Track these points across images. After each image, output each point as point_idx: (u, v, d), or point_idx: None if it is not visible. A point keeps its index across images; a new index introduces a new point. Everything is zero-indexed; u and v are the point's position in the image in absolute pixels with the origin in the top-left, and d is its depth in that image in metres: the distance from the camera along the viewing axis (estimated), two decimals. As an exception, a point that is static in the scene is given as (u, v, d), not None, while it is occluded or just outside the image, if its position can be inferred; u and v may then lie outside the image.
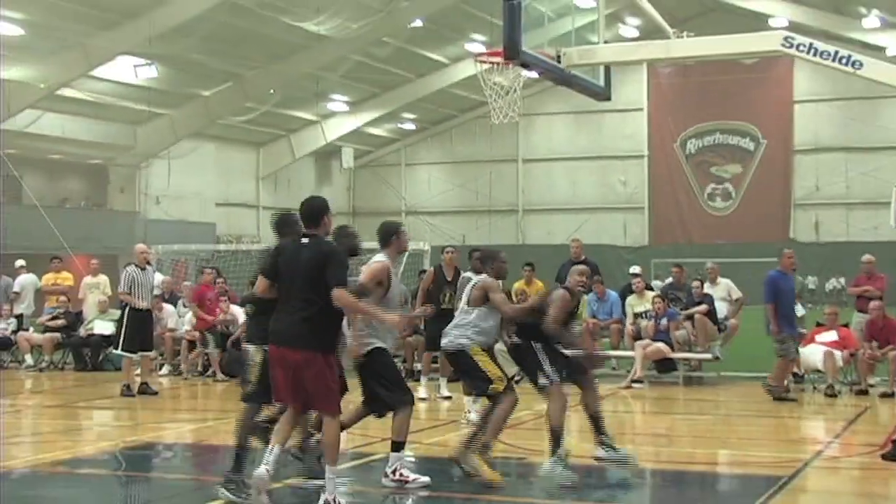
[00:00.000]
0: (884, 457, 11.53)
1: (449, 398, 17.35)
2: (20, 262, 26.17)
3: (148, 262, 19.75)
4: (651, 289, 21.91)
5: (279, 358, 9.39)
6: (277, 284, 9.57)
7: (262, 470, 9.28)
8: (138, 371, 19.14)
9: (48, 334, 24.38)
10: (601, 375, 21.52)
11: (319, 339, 9.30)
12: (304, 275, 9.27)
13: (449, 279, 17.85)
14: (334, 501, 9.12)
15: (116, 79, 42.80)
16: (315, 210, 9.54)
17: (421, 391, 17.35)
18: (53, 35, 38.17)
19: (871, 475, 11.49)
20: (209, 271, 23.42)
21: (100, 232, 43.89)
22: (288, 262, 9.42)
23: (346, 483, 9.64)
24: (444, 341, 11.22)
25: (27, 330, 24.93)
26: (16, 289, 25.35)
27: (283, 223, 10.31)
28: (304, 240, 9.45)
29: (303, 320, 9.26)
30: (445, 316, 17.74)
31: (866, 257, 20.22)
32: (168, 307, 23.25)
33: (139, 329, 18.94)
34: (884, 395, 17.81)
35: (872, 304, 19.09)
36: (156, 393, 19.12)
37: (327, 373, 9.29)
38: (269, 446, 9.51)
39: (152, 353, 20.72)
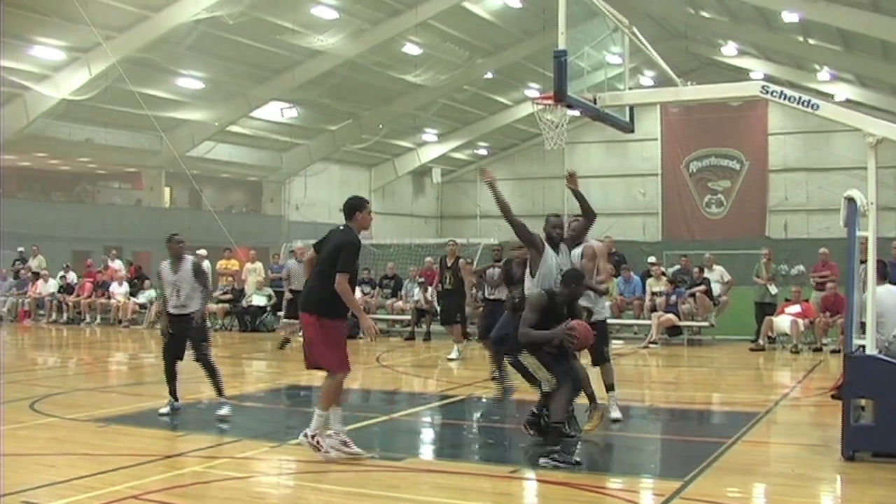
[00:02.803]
0: (833, 397, 11.48)
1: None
2: (202, 252, 26.65)
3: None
4: (665, 274, 21.84)
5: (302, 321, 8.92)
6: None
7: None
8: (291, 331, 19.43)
9: (220, 304, 24.86)
10: (627, 338, 21.66)
11: (322, 307, 8.56)
12: (327, 254, 8.62)
13: (449, 265, 18.37)
14: (312, 438, 8.58)
15: (268, 118, 43.25)
16: (350, 207, 8.85)
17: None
18: (224, 87, 38.67)
19: (822, 410, 11.47)
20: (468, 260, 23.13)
21: (256, 230, 44.40)
22: (324, 242, 8.79)
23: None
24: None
25: (205, 301, 25.45)
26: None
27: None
28: (341, 227, 8.83)
29: (312, 289, 8.77)
30: (448, 293, 18.21)
31: (822, 250, 20.16)
32: None
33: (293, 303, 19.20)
34: (833, 352, 17.71)
35: (828, 284, 19.02)
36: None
37: (325, 335, 8.58)
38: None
39: None
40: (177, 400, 11.21)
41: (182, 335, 11.21)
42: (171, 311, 11.23)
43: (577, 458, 8.51)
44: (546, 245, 9.54)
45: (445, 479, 8.22)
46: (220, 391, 11.09)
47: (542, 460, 8.42)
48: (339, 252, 8.51)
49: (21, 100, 34.05)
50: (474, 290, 17.59)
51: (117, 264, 28.06)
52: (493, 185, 9.81)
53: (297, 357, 18.39)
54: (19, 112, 34.38)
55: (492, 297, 14.74)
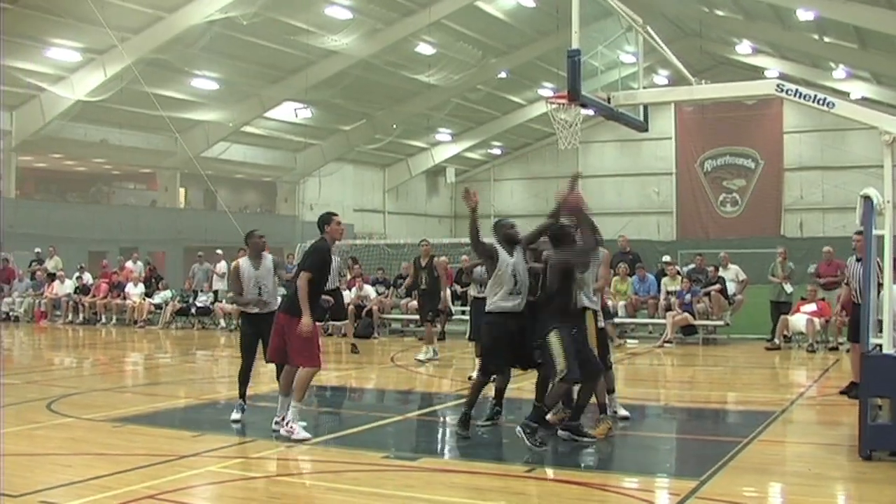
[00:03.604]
0: (841, 392, 11.42)
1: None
2: (219, 251, 26.77)
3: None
4: (680, 273, 21.77)
5: (277, 321, 9.85)
6: None
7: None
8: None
9: (235, 305, 24.80)
10: (642, 337, 21.62)
11: (295, 308, 9.46)
12: (301, 262, 9.96)
13: (423, 265, 17.90)
14: (287, 424, 9.38)
15: (282, 118, 43.35)
16: (320, 223, 9.88)
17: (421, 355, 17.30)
18: (238, 88, 38.78)
19: (839, 409, 11.40)
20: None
21: (270, 230, 44.15)
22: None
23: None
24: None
25: (221, 302, 25.43)
26: (219, 272, 25.95)
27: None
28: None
29: (292, 293, 9.69)
30: (423, 293, 17.77)
31: (826, 249, 20.08)
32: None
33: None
34: (849, 351, 17.61)
35: (844, 283, 18.91)
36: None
37: (297, 333, 9.41)
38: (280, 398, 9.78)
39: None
40: (245, 403, 10.73)
41: (260, 335, 10.57)
42: (250, 309, 10.70)
43: (546, 447, 8.94)
44: (500, 252, 9.61)
45: (460, 478, 8.22)
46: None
47: (518, 427, 8.96)
48: (304, 256, 9.94)
49: (37, 101, 34.25)
50: (454, 288, 17.41)
51: (137, 266, 28.18)
52: (476, 210, 9.64)
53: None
54: (35, 113, 34.58)
55: (481, 295, 14.53)
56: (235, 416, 10.56)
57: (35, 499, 7.21)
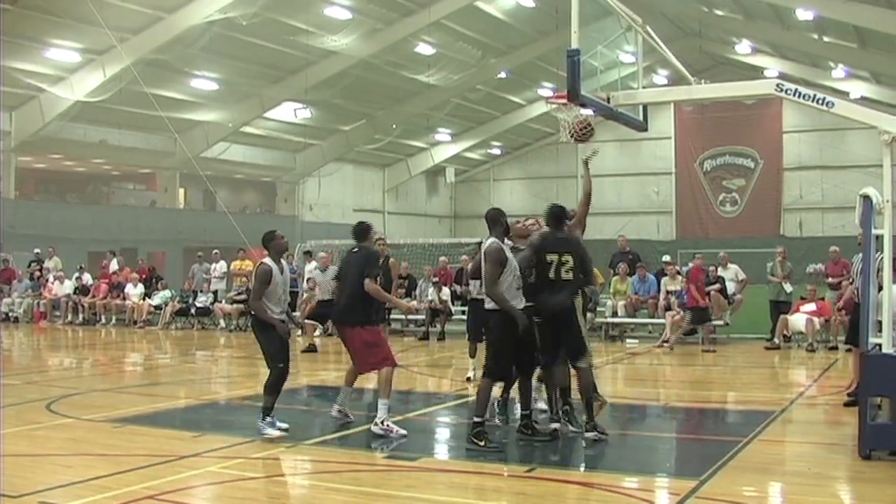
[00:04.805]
0: (846, 405, 11.40)
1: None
2: (216, 252, 26.75)
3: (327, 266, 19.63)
4: (680, 273, 21.73)
5: (338, 332, 10.61)
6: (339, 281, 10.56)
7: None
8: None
9: (235, 305, 24.84)
10: (642, 337, 21.62)
11: (357, 317, 9.95)
12: (353, 271, 10.09)
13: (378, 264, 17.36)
14: (383, 424, 9.76)
15: (282, 118, 43.30)
16: (361, 231, 10.42)
17: None
18: (238, 88, 38.75)
19: (838, 409, 11.40)
20: (699, 257, 21.13)
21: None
22: (345, 264, 10.51)
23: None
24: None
25: (221, 302, 25.43)
26: (217, 272, 25.96)
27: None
28: (355, 249, 10.34)
29: (345, 305, 10.17)
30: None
31: (833, 248, 20.07)
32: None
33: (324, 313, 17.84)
34: (849, 350, 17.59)
35: (844, 283, 18.91)
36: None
37: (365, 340, 9.96)
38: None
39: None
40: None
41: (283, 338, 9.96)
42: (279, 316, 9.86)
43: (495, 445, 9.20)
44: (507, 252, 9.95)
45: (461, 478, 8.23)
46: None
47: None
48: (366, 264, 10.04)
49: (36, 102, 34.24)
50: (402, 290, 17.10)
51: (114, 264, 28.17)
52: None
53: (311, 358, 18.51)
54: (35, 114, 34.57)
55: (480, 296, 14.36)
56: (274, 432, 9.67)
57: (35, 499, 7.21)
